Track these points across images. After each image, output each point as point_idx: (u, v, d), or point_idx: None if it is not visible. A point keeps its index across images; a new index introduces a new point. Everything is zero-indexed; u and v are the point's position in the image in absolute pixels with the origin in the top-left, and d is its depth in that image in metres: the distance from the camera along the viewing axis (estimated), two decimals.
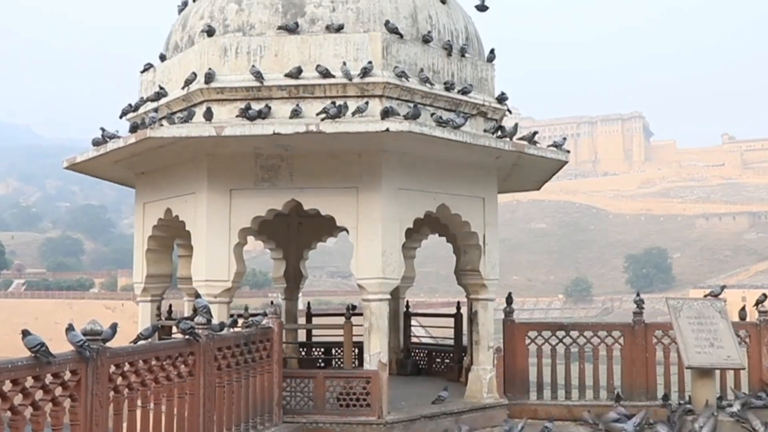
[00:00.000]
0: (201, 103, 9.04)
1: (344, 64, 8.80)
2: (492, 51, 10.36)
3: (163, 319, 10.20)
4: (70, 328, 5.29)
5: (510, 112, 10.62)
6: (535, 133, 10.12)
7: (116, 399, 5.74)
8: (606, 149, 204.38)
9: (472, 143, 8.92)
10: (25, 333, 4.85)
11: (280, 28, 9.16)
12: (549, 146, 10.12)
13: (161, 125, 8.71)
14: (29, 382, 4.82)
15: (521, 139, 9.84)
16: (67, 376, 5.13)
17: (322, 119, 8.32)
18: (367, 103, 8.62)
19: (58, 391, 5.07)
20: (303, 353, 12.79)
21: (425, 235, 12.58)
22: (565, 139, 11.31)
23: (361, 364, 9.60)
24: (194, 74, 9.07)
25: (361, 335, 9.12)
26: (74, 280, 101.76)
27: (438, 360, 12.52)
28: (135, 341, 6.73)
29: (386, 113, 8.29)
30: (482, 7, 10.36)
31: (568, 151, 10.67)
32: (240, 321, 8.45)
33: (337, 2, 9.29)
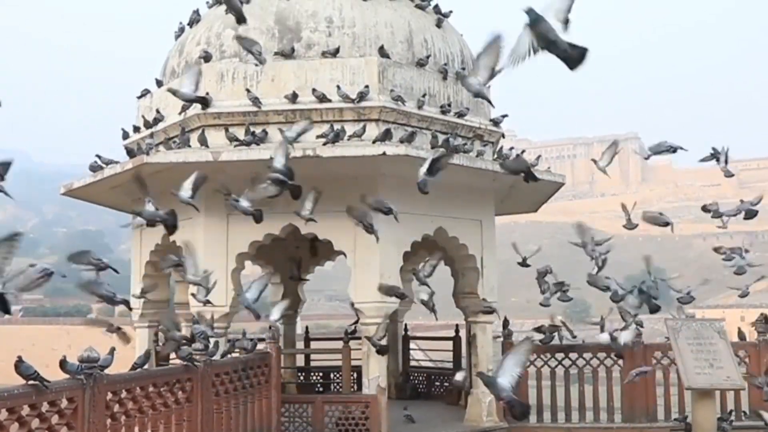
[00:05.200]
0: (198, 128, 9.06)
1: (339, 88, 8.85)
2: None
3: (160, 345, 10.15)
4: (64, 362, 5.23)
5: (503, 136, 10.68)
6: (539, 157, 10.19)
7: (113, 426, 5.70)
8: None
9: (469, 166, 8.94)
10: (19, 361, 4.82)
11: (276, 53, 9.21)
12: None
13: (158, 151, 8.73)
14: (25, 410, 4.79)
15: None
16: (64, 404, 5.10)
17: (324, 143, 8.36)
18: (363, 127, 8.65)
19: (55, 419, 5.04)
20: (301, 378, 12.73)
21: (423, 258, 12.55)
22: (539, 156, 11.38)
23: (359, 388, 9.56)
24: None
25: (360, 359, 9.08)
26: (71, 306, 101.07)
27: (437, 383, 12.47)
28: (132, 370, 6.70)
29: (383, 137, 8.32)
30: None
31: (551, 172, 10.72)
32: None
33: (333, 27, 9.35)
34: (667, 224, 8.87)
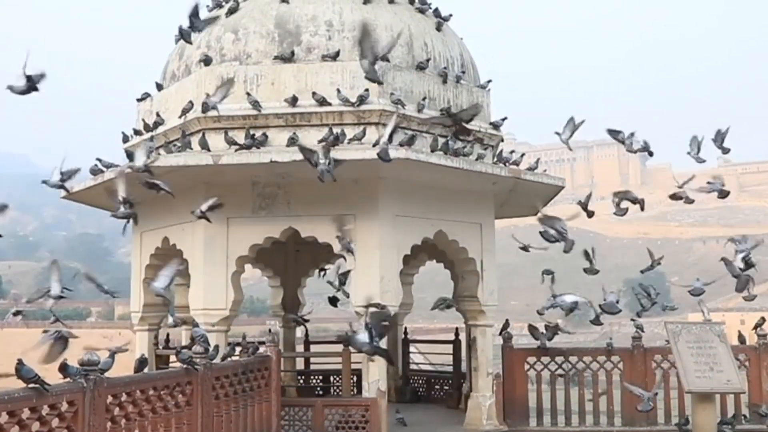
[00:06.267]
0: (198, 131, 9.07)
1: (339, 91, 8.86)
2: (490, 81, 10.47)
3: (160, 348, 10.16)
4: (64, 365, 5.23)
5: (503, 140, 10.69)
6: (537, 160, 10.21)
7: (114, 430, 5.69)
8: (602, 173, 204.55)
9: (469, 169, 8.94)
10: (20, 364, 4.82)
11: (276, 57, 9.22)
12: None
13: (158, 154, 8.74)
14: (26, 413, 4.78)
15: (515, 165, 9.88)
16: (64, 407, 5.10)
17: (323, 147, 8.35)
18: (363, 130, 8.66)
19: (55, 422, 5.04)
20: (301, 381, 12.72)
21: (423, 262, 12.56)
22: (538, 160, 11.56)
23: (359, 391, 9.56)
24: (191, 103, 9.11)
25: (360, 362, 9.08)
26: (71, 309, 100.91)
27: (437, 387, 12.45)
28: None
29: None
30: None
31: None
32: (238, 349, 8.42)
33: (332, 31, 9.36)
34: (636, 201, 9.15)
